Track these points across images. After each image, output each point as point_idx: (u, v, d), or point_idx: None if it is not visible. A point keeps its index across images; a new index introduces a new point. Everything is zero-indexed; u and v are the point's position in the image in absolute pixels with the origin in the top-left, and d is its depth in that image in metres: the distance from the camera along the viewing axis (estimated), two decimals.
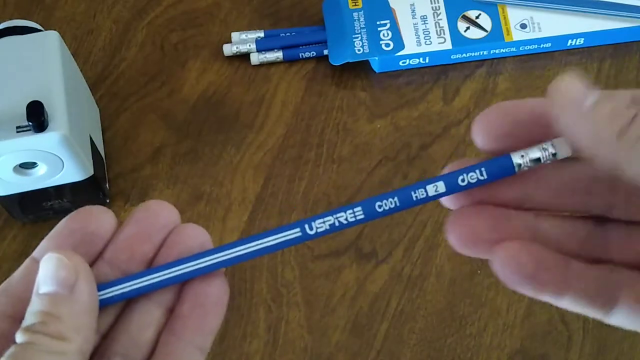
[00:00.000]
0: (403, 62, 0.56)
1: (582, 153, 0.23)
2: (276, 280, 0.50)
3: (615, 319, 0.25)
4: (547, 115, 0.24)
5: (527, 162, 0.24)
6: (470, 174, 0.25)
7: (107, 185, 0.52)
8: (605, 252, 0.26)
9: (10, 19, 0.51)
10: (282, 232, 0.25)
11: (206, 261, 0.25)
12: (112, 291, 0.25)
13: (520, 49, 0.57)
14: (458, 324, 0.49)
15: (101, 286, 0.25)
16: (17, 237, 0.52)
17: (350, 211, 0.25)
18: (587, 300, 0.25)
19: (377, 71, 0.57)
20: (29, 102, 0.42)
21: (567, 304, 0.25)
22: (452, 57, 0.57)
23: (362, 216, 0.25)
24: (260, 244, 0.25)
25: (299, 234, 0.25)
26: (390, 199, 0.25)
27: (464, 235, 0.25)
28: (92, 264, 0.26)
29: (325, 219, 0.25)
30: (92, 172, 0.48)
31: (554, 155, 0.24)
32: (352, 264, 0.51)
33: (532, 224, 0.26)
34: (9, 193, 0.47)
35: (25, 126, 0.43)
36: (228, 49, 0.57)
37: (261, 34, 0.58)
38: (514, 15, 0.57)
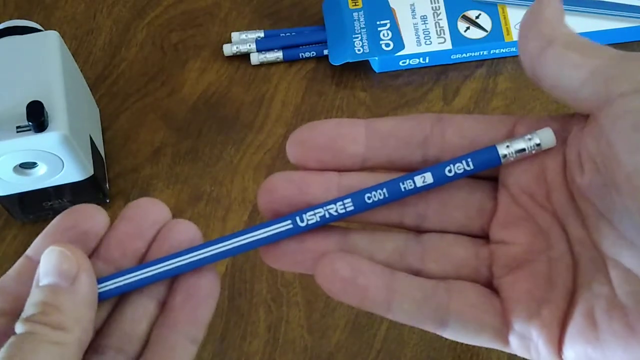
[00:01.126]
0: (403, 62, 0.56)
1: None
2: (276, 280, 0.50)
3: (450, 332, 0.25)
4: (341, 138, 0.25)
5: (512, 153, 0.25)
6: (457, 164, 0.25)
7: (107, 185, 0.52)
8: (423, 263, 0.26)
9: (10, 19, 0.51)
10: (273, 224, 0.26)
11: (197, 255, 0.26)
12: (108, 285, 0.26)
13: None
14: None
15: (98, 280, 0.25)
16: (17, 237, 0.52)
17: (340, 203, 0.25)
18: (417, 310, 0.25)
19: (377, 71, 0.57)
20: (29, 102, 0.42)
21: (397, 314, 0.25)
22: (452, 57, 0.57)
23: (351, 208, 0.25)
24: (252, 237, 0.26)
25: (290, 226, 0.25)
26: (380, 191, 0.25)
27: (277, 260, 0.26)
28: None
29: (316, 211, 0.25)
30: (92, 172, 0.48)
31: (538, 145, 0.25)
32: None
33: (343, 239, 0.26)
34: (9, 193, 0.47)
35: (25, 126, 0.43)
36: (228, 49, 0.57)
37: (261, 34, 0.58)
38: (514, 15, 0.57)
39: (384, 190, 0.25)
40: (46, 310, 0.24)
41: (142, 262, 0.26)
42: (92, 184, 0.49)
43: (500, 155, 0.25)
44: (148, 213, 0.27)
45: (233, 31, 0.58)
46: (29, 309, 0.24)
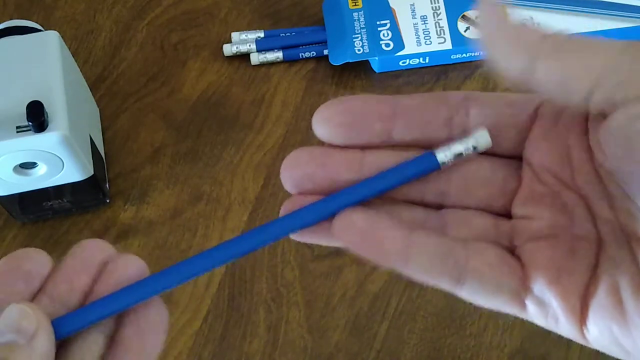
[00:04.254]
0: (403, 62, 0.56)
1: (510, 69, 0.24)
2: (276, 280, 0.50)
3: (466, 292, 0.25)
4: (377, 109, 0.25)
5: (450, 158, 0.25)
6: (400, 173, 0.25)
7: (107, 185, 0.52)
8: (442, 230, 0.26)
9: (10, 19, 0.51)
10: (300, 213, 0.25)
11: (148, 286, 0.26)
12: (62, 325, 0.26)
13: None
14: (458, 324, 0.49)
15: (52, 322, 0.26)
16: (17, 237, 0.52)
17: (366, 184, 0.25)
18: (434, 265, 0.25)
19: (377, 71, 0.57)
20: (29, 102, 0.42)
21: (414, 268, 0.25)
22: (452, 57, 0.57)
23: (382, 186, 0.25)
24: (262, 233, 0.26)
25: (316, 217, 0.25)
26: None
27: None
28: (32, 299, 0.26)
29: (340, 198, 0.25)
30: (92, 172, 0.48)
31: (475, 148, 0.25)
32: (352, 264, 0.51)
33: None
34: (9, 193, 0.47)
35: (25, 126, 0.43)
36: (228, 49, 0.57)
37: (261, 34, 0.58)
38: (514, 15, 0.57)
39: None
40: None
41: (89, 297, 0.27)
42: (92, 184, 0.49)
43: (440, 163, 0.25)
44: (92, 250, 0.27)
45: (233, 31, 0.58)
46: None
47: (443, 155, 0.25)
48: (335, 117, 0.25)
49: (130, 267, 0.27)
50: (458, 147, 0.25)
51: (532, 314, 0.25)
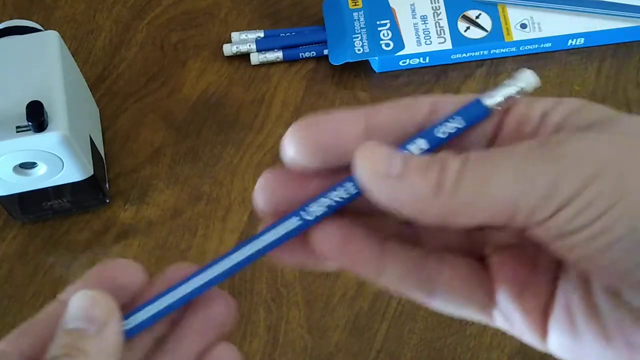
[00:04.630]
0: (403, 62, 0.56)
1: (407, 216, 0.23)
2: (276, 280, 0.50)
3: (436, 303, 0.26)
4: (351, 132, 0.24)
5: (499, 101, 0.24)
6: (447, 124, 0.24)
7: (107, 185, 0.52)
8: (416, 240, 0.26)
9: (10, 19, 0.51)
10: (280, 224, 0.25)
11: (207, 276, 0.25)
12: (132, 321, 0.25)
13: (521, 48, 0.57)
14: (458, 324, 0.49)
15: (124, 316, 0.25)
16: (17, 237, 0.52)
17: (342, 188, 0.25)
18: (406, 277, 0.25)
19: (377, 71, 0.57)
20: (28, 102, 0.42)
21: (387, 280, 0.25)
22: (452, 57, 0.57)
23: (354, 190, 0.25)
24: (261, 243, 0.25)
25: (299, 222, 0.25)
26: None
27: (267, 199, 0.25)
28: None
29: (321, 201, 0.25)
30: (92, 172, 0.48)
31: (522, 89, 0.24)
32: None
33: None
34: (9, 193, 0.47)
35: (25, 126, 0.43)
36: (228, 49, 0.57)
37: (261, 34, 0.58)
38: (514, 15, 0.57)
39: None
40: (72, 352, 0.23)
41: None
42: (92, 184, 0.49)
43: (488, 107, 0.24)
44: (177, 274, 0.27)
45: (233, 31, 0.58)
46: (54, 350, 0.24)
47: (491, 100, 0.24)
48: (307, 140, 0.24)
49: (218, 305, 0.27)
50: (506, 90, 0.24)
51: (500, 324, 0.25)
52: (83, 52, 0.58)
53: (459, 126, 0.24)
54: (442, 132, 0.24)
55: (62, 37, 0.47)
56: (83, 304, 0.24)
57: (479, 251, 0.26)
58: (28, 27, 0.50)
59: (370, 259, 0.25)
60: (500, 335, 0.48)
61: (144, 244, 0.51)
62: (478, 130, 0.24)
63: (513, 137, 0.24)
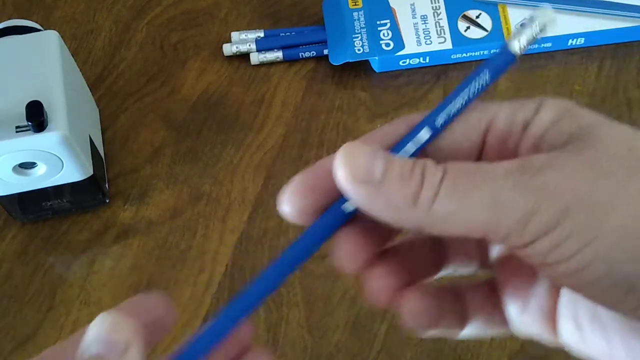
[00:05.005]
0: (403, 62, 0.56)
1: (383, 222, 0.22)
2: None
3: (465, 332, 0.26)
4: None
5: (524, 45, 0.24)
6: (477, 79, 0.24)
7: (106, 185, 0.52)
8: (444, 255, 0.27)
9: (10, 19, 0.51)
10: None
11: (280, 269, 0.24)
12: None
13: None
14: None
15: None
16: (17, 237, 0.51)
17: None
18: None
19: (377, 71, 0.57)
20: (28, 102, 0.42)
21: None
22: (452, 56, 0.57)
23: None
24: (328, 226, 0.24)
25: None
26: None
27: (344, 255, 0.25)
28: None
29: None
30: (91, 172, 0.48)
31: (544, 26, 0.24)
32: None
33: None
34: (9, 193, 0.47)
35: (25, 126, 0.42)
36: (228, 49, 0.57)
37: (261, 34, 0.58)
38: (514, 15, 0.57)
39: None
40: None
41: None
42: (92, 184, 0.49)
43: (515, 54, 0.24)
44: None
45: (233, 31, 0.58)
46: None
47: (517, 44, 0.24)
48: (301, 198, 0.24)
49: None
50: (528, 31, 0.24)
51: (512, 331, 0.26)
52: (83, 52, 0.58)
53: (487, 80, 0.24)
54: (472, 89, 0.24)
55: (62, 37, 0.47)
56: (103, 327, 0.22)
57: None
58: (28, 27, 0.50)
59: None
60: (501, 336, 0.48)
61: (144, 244, 0.51)
62: (464, 143, 0.24)
63: (495, 150, 0.24)
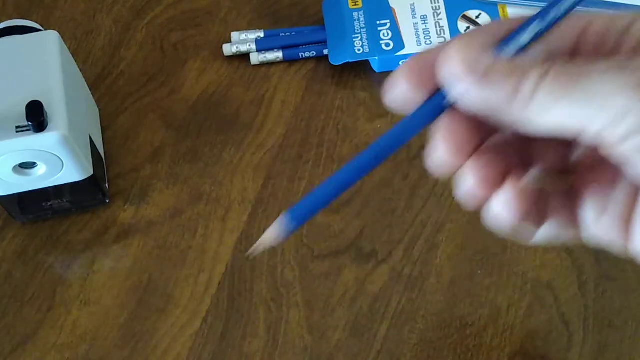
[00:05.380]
0: (403, 62, 0.56)
1: (483, 117, 0.24)
2: (276, 281, 0.50)
3: (540, 234, 0.27)
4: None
5: (530, 37, 0.25)
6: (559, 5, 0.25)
7: (106, 185, 0.52)
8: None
9: (10, 19, 0.51)
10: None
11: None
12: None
13: None
14: (458, 324, 0.49)
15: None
16: (17, 237, 0.51)
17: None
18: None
19: (377, 71, 0.57)
20: (28, 102, 0.42)
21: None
22: None
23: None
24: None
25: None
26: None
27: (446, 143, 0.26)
28: None
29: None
30: (91, 172, 0.48)
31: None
32: (352, 264, 0.50)
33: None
34: (9, 193, 0.47)
35: (25, 126, 0.43)
36: (228, 49, 0.57)
37: (261, 34, 0.58)
38: (514, 15, 0.57)
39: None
40: None
41: None
42: (92, 184, 0.49)
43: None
44: None
45: (233, 31, 0.58)
46: None
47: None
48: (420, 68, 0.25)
49: None
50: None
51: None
52: (83, 52, 0.58)
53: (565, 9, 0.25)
54: (552, 14, 0.25)
55: (62, 37, 0.47)
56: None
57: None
58: (28, 27, 0.50)
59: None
60: (500, 336, 0.48)
61: (144, 244, 0.51)
62: (558, 42, 0.25)
63: (592, 52, 0.25)
